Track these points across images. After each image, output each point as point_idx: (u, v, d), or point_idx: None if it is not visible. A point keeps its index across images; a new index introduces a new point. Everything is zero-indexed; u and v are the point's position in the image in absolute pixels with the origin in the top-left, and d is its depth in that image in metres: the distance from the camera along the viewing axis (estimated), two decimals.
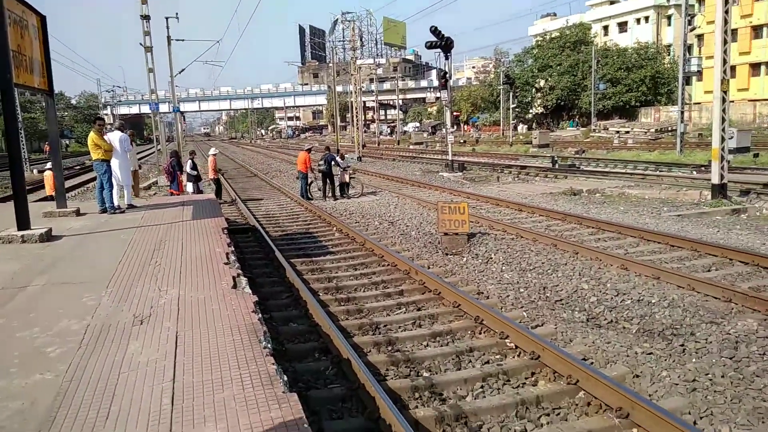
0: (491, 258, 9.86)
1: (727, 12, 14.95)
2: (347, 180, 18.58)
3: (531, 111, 68.75)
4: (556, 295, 7.77)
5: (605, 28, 69.42)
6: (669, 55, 60.60)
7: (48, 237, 7.77)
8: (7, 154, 7.91)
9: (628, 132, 46.62)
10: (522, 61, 68.19)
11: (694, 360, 5.49)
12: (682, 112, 30.40)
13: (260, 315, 4.64)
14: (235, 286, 5.39)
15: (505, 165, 27.25)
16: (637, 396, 4.56)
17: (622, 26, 67.74)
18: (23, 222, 7.76)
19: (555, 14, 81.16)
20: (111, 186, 10.04)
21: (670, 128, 42.76)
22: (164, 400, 3.13)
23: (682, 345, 5.85)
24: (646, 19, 64.99)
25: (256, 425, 2.82)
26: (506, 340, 6.12)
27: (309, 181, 18.31)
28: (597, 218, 12.53)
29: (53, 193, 13.19)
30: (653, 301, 7.13)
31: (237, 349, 3.82)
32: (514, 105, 56.78)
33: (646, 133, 45.12)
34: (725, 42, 14.93)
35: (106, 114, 78.86)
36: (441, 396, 5.14)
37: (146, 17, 25.08)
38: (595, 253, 9.39)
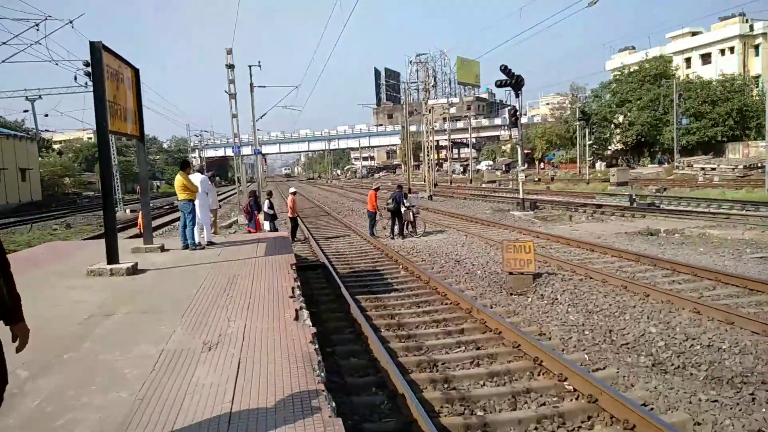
0: (557, 299, 9.72)
1: None
2: (411, 219, 18.78)
3: (609, 147, 66.74)
4: (621, 339, 7.57)
5: (687, 60, 66.94)
6: (757, 86, 57.46)
7: (134, 271, 8.49)
8: (102, 194, 8.78)
9: (713, 169, 44.31)
10: (599, 96, 66.55)
11: (763, 410, 5.23)
12: None
13: (317, 346, 4.91)
14: (297, 318, 5.71)
15: (579, 204, 26.66)
16: None
17: (705, 58, 65.09)
18: (112, 257, 8.52)
19: (633, 47, 79.03)
20: (194, 224, 10.81)
21: (759, 164, 40.29)
22: (221, 420, 3.44)
23: (752, 394, 5.57)
24: (731, 50, 62.20)
25: None
26: (564, 383, 6.05)
27: (376, 219, 18.70)
28: (672, 260, 12.06)
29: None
30: (724, 347, 6.82)
31: (292, 376, 4.10)
32: (591, 141, 55.50)
33: (733, 169, 42.73)
34: None
35: (194, 157, 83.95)
36: None
37: (231, 66, 26.91)
38: (666, 296, 9.07)
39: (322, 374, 4.24)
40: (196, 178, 11.26)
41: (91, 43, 8.32)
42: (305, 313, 6.02)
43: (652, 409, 5.43)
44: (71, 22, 16.93)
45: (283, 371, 4.22)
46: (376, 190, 18.83)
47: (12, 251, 16.97)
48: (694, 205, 23.50)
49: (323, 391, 3.82)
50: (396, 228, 18.48)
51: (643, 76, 61.08)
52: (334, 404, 3.69)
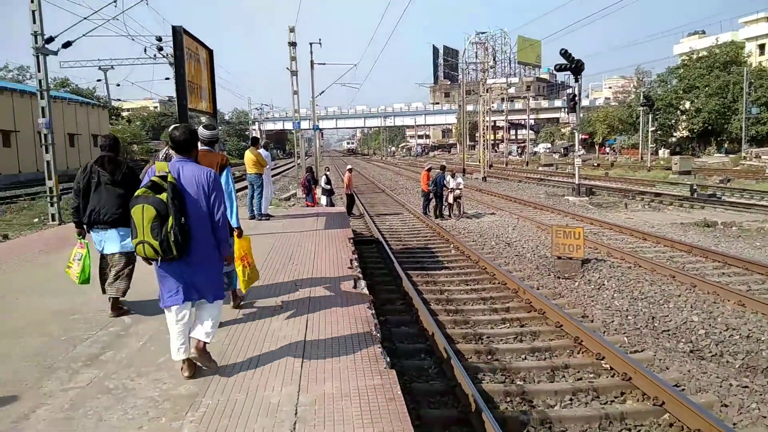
0: (603, 284, 10.00)
1: None
2: (451, 201, 19.05)
3: (674, 134, 64.38)
4: (663, 325, 7.85)
5: (761, 47, 63.33)
6: None
7: None
8: None
9: None
10: (665, 81, 64.09)
11: None
12: None
13: (373, 311, 5.50)
14: (355, 287, 6.33)
15: (637, 191, 26.24)
16: (718, 422, 4.77)
17: None
18: None
19: (704, 32, 75.37)
20: (261, 196, 11.59)
21: None
22: (296, 363, 4.10)
23: None
24: None
25: (361, 387, 3.69)
26: (602, 361, 6.45)
27: (429, 198, 19.07)
28: (725, 252, 12.04)
29: None
30: (763, 339, 7.02)
31: (352, 334, 4.72)
32: (655, 128, 53.74)
33: None
34: None
35: (254, 129, 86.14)
36: (531, 402, 5.64)
37: (293, 44, 27.65)
38: (713, 288, 9.21)
39: (378, 334, 4.82)
40: (262, 153, 12.00)
41: (173, 28, 9.05)
42: (363, 282, 6.62)
43: (683, 389, 5.78)
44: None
45: (344, 329, 4.84)
46: (428, 170, 19.16)
47: None
48: (757, 198, 22.80)
49: (379, 347, 4.40)
50: (437, 209, 18.74)
51: (712, 62, 58.40)
52: (389, 359, 4.27)
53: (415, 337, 7.39)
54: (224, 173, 5.19)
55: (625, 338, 7.35)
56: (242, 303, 5.60)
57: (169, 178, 3.70)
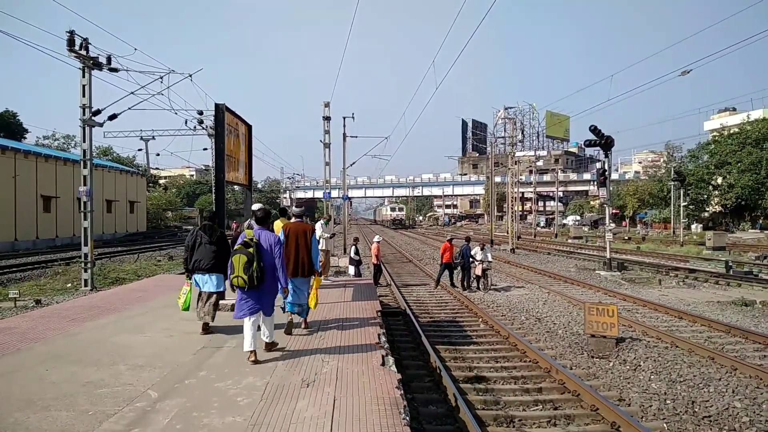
0: (639, 365, 9.64)
1: None
2: (479, 274, 18.87)
3: (707, 209, 63.48)
4: (704, 411, 7.48)
5: None
6: None
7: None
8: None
9: None
10: (696, 156, 64.04)
11: None
12: None
13: (402, 391, 5.38)
14: (383, 364, 6.22)
15: (671, 267, 25.67)
16: None
17: None
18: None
19: (734, 109, 75.80)
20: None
21: None
22: None
23: None
24: None
25: None
26: None
27: (445, 269, 18.87)
28: (766, 333, 11.56)
29: None
30: None
31: (380, 417, 4.60)
32: (687, 202, 53.12)
33: None
34: None
35: (285, 198, 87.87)
36: None
37: (327, 118, 28.61)
38: (755, 371, 8.80)
39: (407, 417, 4.69)
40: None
41: (216, 105, 9.52)
42: (391, 359, 6.52)
43: None
44: (191, 75, 18.84)
45: (373, 411, 4.73)
46: (450, 241, 19.09)
47: (122, 280, 18.74)
48: None
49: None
50: (465, 281, 18.58)
51: (744, 138, 58.31)
52: None
53: (444, 417, 7.16)
54: (312, 235, 7.95)
55: (665, 424, 7.01)
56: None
57: (254, 240, 6.33)
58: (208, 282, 7.52)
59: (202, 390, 5.30)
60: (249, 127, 11.66)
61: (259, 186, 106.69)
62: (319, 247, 12.47)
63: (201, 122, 31.46)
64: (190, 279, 7.49)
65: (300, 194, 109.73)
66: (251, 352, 6.23)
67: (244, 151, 11.47)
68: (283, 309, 7.69)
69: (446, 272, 19.30)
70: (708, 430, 6.82)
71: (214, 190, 9.53)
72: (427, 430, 6.66)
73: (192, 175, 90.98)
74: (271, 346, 6.74)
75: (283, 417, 4.60)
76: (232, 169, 10.55)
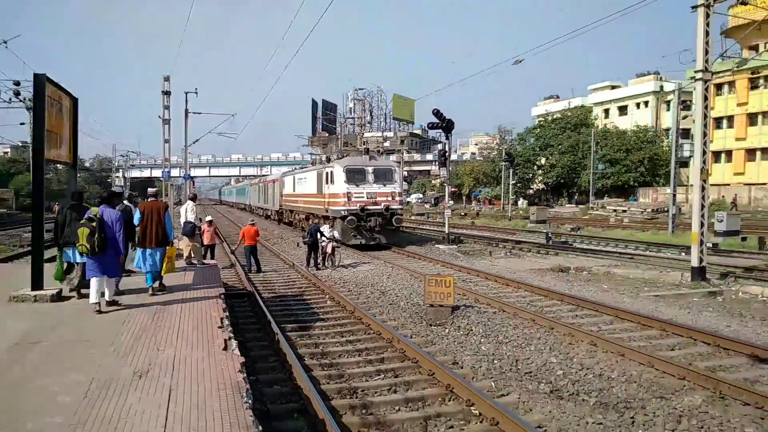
0: (471, 330, 10.43)
1: (706, 107, 16.13)
2: (329, 251, 19.20)
3: (532, 187, 70.43)
4: (526, 368, 8.32)
5: (606, 111, 72.01)
6: (667, 138, 62.67)
7: (58, 298, 8.49)
8: (32, 218, 8.81)
9: (625, 211, 47.65)
10: (524, 139, 70.66)
11: (639, 431, 6.03)
12: (674, 195, 31.62)
13: (245, 374, 5.27)
14: (225, 348, 6.04)
15: (500, 239, 28.03)
16: None
17: (623, 110, 70.23)
18: (37, 283, 8.50)
19: (558, 96, 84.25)
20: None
21: (666, 209, 43.72)
22: None
23: (632, 417, 6.39)
24: (646, 104, 67.55)
25: None
26: (471, 408, 6.66)
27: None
28: (577, 296, 13.15)
29: None
30: (613, 377, 7.69)
31: (221, 402, 4.46)
32: (515, 181, 58.37)
33: (642, 212, 46.11)
34: (704, 135, 16.05)
35: (117, 176, 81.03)
36: None
37: (167, 93, 26.75)
38: (569, 329, 9.98)
39: (250, 401, 4.61)
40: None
41: (36, 76, 8.43)
42: (234, 342, 6.35)
43: (545, 430, 6.11)
44: (5, 42, 16.53)
45: (213, 398, 4.57)
46: (252, 224, 18.91)
47: None
48: (603, 244, 25.32)
49: (251, 416, 4.20)
50: (313, 260, 18.68)
51: (565, 123, 65.65)
52: (260, 428, 4.08)
53: (289, 395, 7.16)
54: (166, 212, 9.26)
55: (492, 383, 7.67)
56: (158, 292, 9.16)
57: (98, 215, 7.68)
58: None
59: (17, 390, 4.73)
60: (74, 101, 10.49)
61: (87, 164, 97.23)
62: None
63: (18, 93, 27.76)
64: (60, 251, 8.68)
65: (135, 173, 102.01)
66: (96, 303, 7.66)
67: (68, 126, 10.30)
68: (135, 269, 9.62)
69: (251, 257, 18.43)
70: (529, 385, 7.60)
71: (32, 170, 8.51)
72: (271, 410, 6.62)
73: (6, 152, 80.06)
74: (112, 304, 8.10)
75: (111, 413, 4.26)
76: (54, 146, 9.44)
